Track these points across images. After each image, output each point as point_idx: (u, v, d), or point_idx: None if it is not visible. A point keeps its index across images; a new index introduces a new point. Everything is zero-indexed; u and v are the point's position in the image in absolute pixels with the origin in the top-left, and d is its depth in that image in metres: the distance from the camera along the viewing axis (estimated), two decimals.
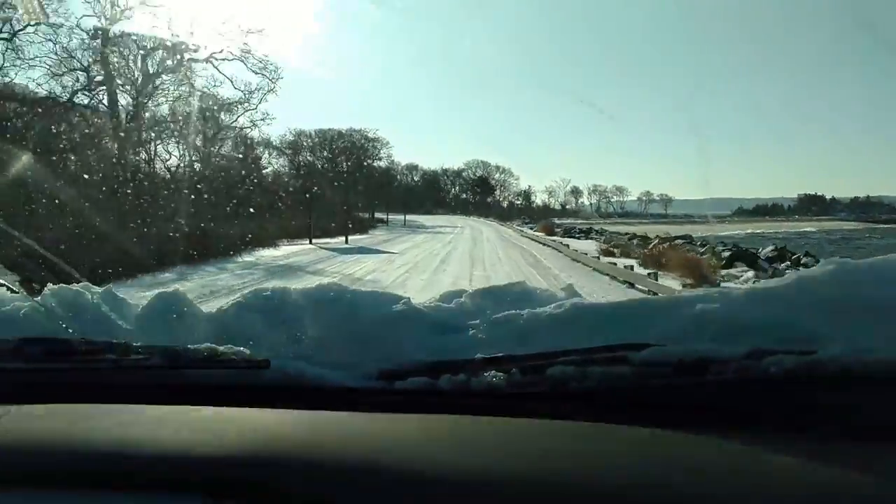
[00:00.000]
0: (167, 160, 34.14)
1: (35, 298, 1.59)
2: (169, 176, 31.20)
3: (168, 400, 1.27)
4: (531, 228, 61.76)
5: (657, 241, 30.92)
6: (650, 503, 0.89)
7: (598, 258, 22.81)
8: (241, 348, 1.42)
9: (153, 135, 32.35)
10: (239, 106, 35.53)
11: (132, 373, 1.43)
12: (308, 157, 68.25)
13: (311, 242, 33.72)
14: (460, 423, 1.15)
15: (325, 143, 70.35)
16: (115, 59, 30.07)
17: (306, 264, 23.32)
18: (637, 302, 1.38)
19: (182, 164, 34.77)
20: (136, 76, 32.12)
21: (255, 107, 35.66)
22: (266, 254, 26.68)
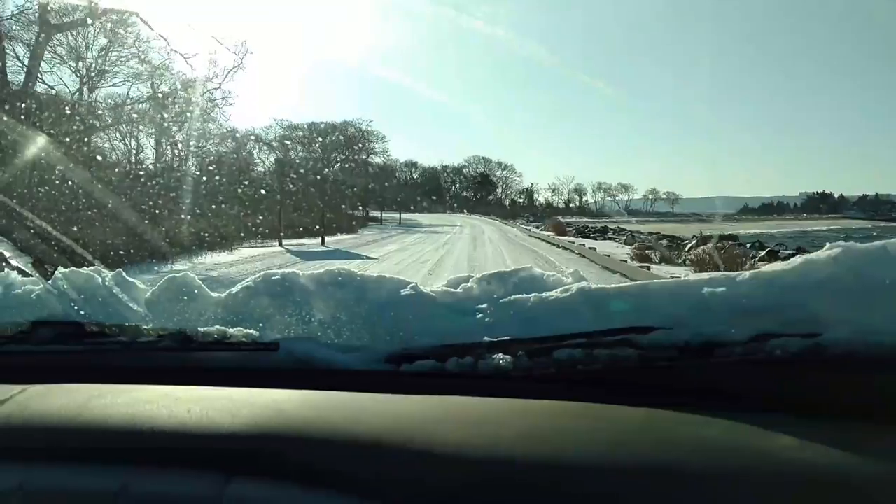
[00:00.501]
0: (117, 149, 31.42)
1: (47, 281, 1.67)
2: (105, 166, 26.96)
3: (180, 381, 1.30)
4: (538, 227, 56.29)
5: (694, 241, 26.85)
6: (654, 481, 0.92)
7: (636, 264, 19.39)
8: (251, 331, 1.47)
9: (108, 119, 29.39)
10: (203, 85, 31.20)
11: (144, 355, 1.47)
12: (300, 153, 65.05)
13: (280, 245, 29.71)
14: (467, 404, 1.19)
15: (315, 137, 66.12)
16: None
17: (234, 277, 17.22)
18: (643, 286, 1.41)
19: (130, 155, 32.19)
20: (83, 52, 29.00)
21: (219, 85, 31.02)
22: (211, 260, 22.30)
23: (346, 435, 1.04)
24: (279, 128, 63.96)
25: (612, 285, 1.42)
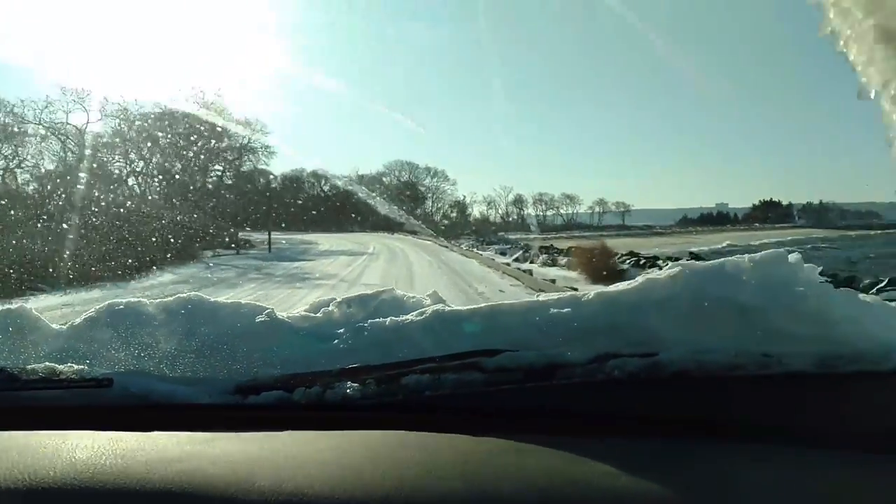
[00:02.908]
0: None
1: None
2: None
3: (4, 424, 1.33)
4: (508, 255, 39.32)
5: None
6: None
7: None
8: (82, 366, 1.52)
9: None
10: None
11: None
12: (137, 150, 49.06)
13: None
14: (304, 440, 1.26)
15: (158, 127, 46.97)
16: None
17: None
18: (494, 307, 1.56)
19: None
20: None
21: None
22: None
23: (149, 486, 1.08)
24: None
25: (466, 307, 1.63)
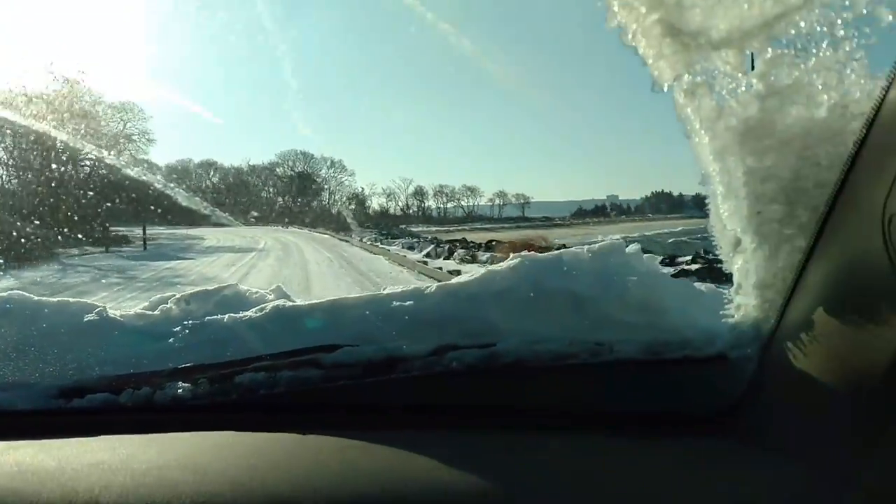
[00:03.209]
0: None
1: None
2: None
3: None
4: (416, 249, 34.41)
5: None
6: None
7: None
8: None
9: None
10: None
11: None
12: None
13: None
14: (132, 444, 1.21)
15: None
16: None
17: None
18: (336, 302, 1.53)
19: None
20: None
21: None
22: None
23: None
24: None
25: (308, 302, 1.62)
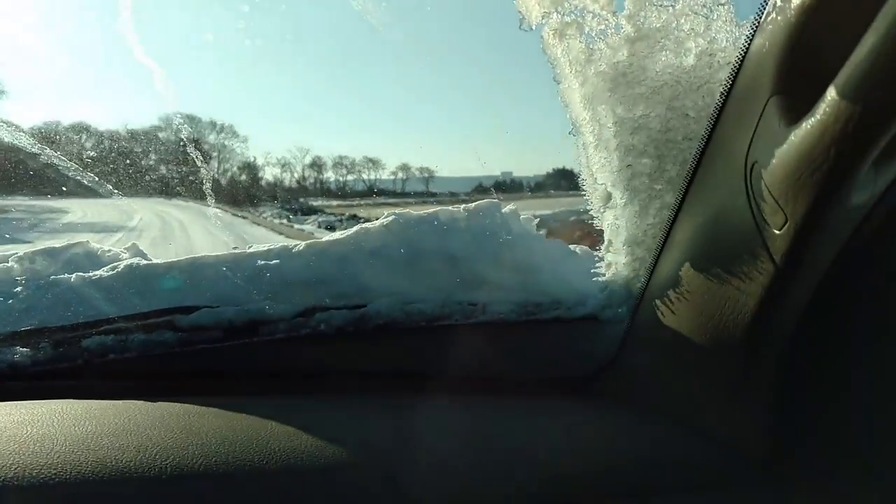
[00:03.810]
0: None
1: None
2: None
3: None
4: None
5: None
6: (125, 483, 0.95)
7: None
8: None
9: None
10: None
11: None
12: None
13: None
14: None
15: None
16: None
17: None
18: (196, 260, 1.47)
19: None
20: None
21: None
22: None
23: None
24: None
25: (165, 261, 1.55)
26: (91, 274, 1.48)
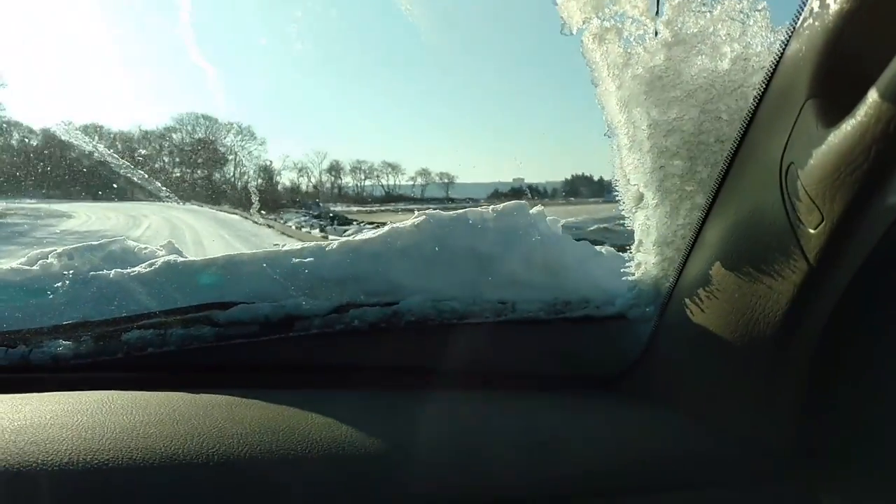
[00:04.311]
0: None
1: None
2: None
3: None
4: None
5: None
6: (170, 471, 0.99)
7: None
8: None
9: None
10: None
11: None
12: None
13: None
14: (9, 405, 1.17)
15: None
16: None
17: None
18: (233, 258, 1.51)
19: None
20: None
21: None
22: None
23: None
24: None
25: (203, 258, 1.60)
26: (129, 270, 1.53)
